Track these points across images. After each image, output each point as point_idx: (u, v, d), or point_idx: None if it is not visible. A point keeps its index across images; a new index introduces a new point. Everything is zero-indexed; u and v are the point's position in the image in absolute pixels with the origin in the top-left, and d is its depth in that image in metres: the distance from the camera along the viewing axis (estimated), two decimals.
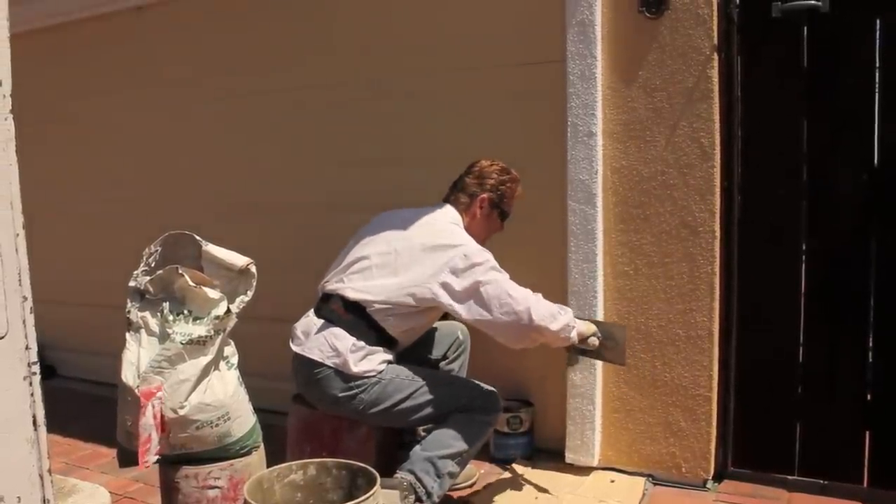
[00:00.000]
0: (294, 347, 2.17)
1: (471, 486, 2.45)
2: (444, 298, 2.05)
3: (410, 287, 2.07)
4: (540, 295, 2.09)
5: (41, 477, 1.03)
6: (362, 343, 2.09)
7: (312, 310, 2.22)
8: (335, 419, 2.17)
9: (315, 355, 2.10)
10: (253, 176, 3.33)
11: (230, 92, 3.35)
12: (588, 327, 2.20)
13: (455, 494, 2.37)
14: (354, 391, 2.09)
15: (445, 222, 2.21)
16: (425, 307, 2.12)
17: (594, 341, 2.20)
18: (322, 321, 2.14)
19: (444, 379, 2.23)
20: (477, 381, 2.28)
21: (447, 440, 2.11)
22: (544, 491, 2.37)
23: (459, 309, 2.06)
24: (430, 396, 2.14)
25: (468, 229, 2.25)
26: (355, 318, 2.10)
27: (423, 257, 2.09)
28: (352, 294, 2.11)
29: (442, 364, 2.49)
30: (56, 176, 3.94)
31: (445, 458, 2.09)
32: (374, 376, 2.10)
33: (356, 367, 2.07)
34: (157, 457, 1.79)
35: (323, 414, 2.18)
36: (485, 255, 2.08)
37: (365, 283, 2.11)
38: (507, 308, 2.02)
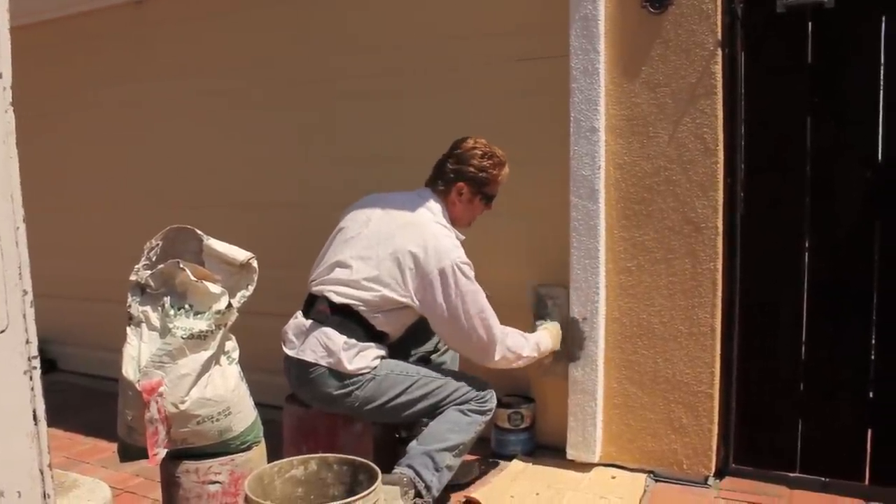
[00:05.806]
0: (287, 351, 2.18)
1: (471, 482, 2.45)
2: (419, 306, 2.12)
3: (389, 294, 2.10)
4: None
5: (41, 472, 1.03)
6: (354, 340, 2.10)
7: (300, 311, 2.23)
8: (330, 416, 2.17)
9: (308, 356, 2.11)
10: (254, 170, 3.32)
11: (229, 87, 3.34)
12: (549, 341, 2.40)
13: (456, 490, 2.37)
14: (350, 388, 2.09)
15: (429, 223, 2.19)
16: (409, 304, 2.14)
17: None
18: (311, 322, 2.15)
19: (438, 373, 2.23)
20: (470, 374, 2.29)
21: (443, 434, 2.13)
22: (545, 487, 2.37)
23: (432, 318, 2.15)
24: (424, 391, 2.16)
25: (450, 215, 2.27)
26: (343, 317, 2.12)
27: (402, 263, 2.10)
28: (336, 298, 2.13)
29: (433, 356, 2.50)
30: (56, 169, 3.94)
31: (443, 451, 2.10)
32: (368, 373, 2.11)
33: (350, 365, 2.08)
34: (165, 449, 1.79)
35: (318, 412, 2.18)
36: (462, 270, 2.10)
37: (347, 290, 2.13)
38: (485, 323, 2.13)
